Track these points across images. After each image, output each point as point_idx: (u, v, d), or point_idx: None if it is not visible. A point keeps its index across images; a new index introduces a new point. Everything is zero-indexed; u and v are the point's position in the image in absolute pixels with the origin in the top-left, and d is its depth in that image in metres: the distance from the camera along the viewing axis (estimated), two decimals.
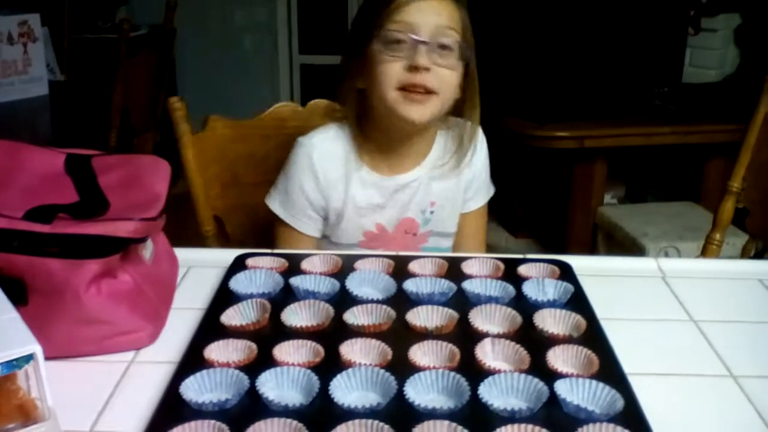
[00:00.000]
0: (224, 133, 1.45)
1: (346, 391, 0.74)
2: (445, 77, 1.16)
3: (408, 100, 1.15)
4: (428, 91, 1.15)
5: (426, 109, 1.16)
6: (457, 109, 1.25)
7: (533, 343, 0.82)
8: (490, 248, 3.22)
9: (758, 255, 2.02)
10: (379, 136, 1.24)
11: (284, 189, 1.28)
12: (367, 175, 1.26)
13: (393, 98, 1.16)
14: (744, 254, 1.79)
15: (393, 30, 1.14)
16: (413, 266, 1.01)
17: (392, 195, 1.27)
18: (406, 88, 1.15)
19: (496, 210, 3.29)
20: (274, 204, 1.29)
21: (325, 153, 1.25)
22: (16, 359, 0.63)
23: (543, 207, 3.23)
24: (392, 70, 1.15)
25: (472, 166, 1.32)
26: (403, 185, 1.26)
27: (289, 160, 1.27)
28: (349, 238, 1.28)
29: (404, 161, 1.26)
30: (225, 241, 1.47)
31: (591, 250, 2.89)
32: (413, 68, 1.13)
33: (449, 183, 1.30)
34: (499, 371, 0.76)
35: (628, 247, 2.60)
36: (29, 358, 0.64)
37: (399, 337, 0.83)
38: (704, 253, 1.67)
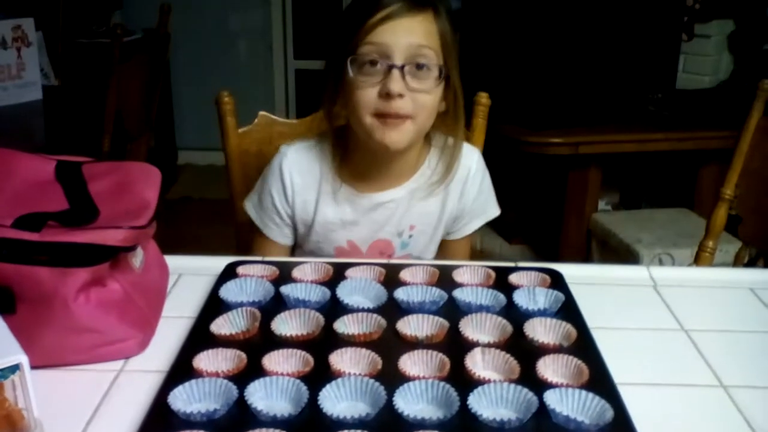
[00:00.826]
0: (271, 130, 1.48)
1: (335, 401, 0.74)
2: (420, 101, 1.13)
3: (384, 126, 1.13)
4: (404, 116, 1.13)
5: (402, 135, 1.14)
6: (445, 123, 1.22)
7: (523, 352, 0.81)
8: (484, 254, 3.23)
9: (751, 262, 2.03)
10: (360, 154, 1.22)
11: (258, 193, 1.28)
12: (342, 190, 1.24)
13: (369, 124, 1.14)
14: (737, 261, 1.80)
15: (365, 53, 1.11)
16: (404, 274, 1.01)
17: (367, 213, 1.25)
18: (381, 114, 1.13)
19: None
20: (248, 206, 1.30)
21: (297, 163, 1.24)
22: (2, 369, 0.63)
23: (537, 213, 3.23)
24: (367, 97, 1.12)
25: (463, 195, 1.28)
26: (378, 204, 1.24)
27: (268, 166, 1.28)
28: (320, 251, 1.27)
29: (384, 180, 1.24)
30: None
31: (585, 256, 2.89)
32: (387, 95, 1.11)
33: (432, 208, 1.27)
34: (488, 381, 0.76)
35: (623, 253, 2.61)
36: (15, 368, 0.64)
37: (389, 346, 0.83)
38: (697, 260, 1.67)
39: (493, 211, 1.34)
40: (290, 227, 1.28)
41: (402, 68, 1.10)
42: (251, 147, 1.48)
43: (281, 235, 1.29)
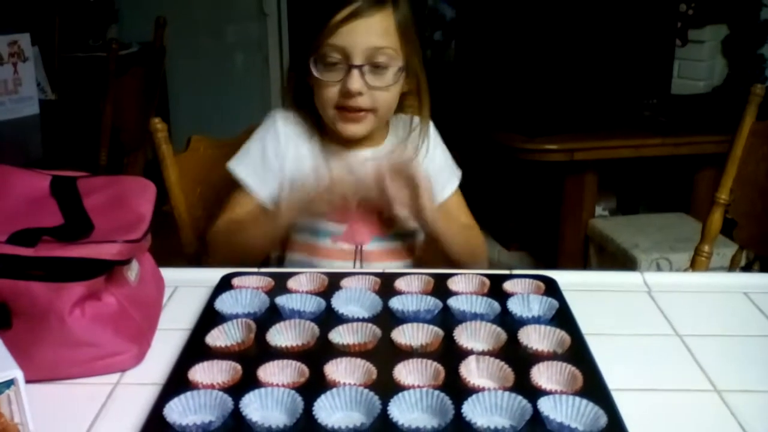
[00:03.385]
0: (207, 153, 1.46)
1: (330, 411, 0.74)
2: (379, 97, 1.21)
3: (344, 119, 1.22)
4: (365, 110, 1.21)
5: (363, 126, 1.23)
6: (405, 101, 1.29)
7: (518, 360, 0.82)
8: None
9: (748, 265, 2.03)
10: None
11: (246, 151, 1.30)
12: (332, 146, 1.29)
13: (331, 116, 1.23)
14: (733, 264, 1.80)
15: (326, 54, 1.18)
16: (399, 283, 1.01)
17: (357, 167, 1.24)
18: (343, 108, 1.20)
19: (488, 222, 3.29)
20: (232, 165, 1.29)
21: (289, 121, 1.30)
22: None
23: (535, 219, 3.23)
24: (329, 94, 1.21)
25: (433, 160, 1.33)
26: (364, 160, 1.27)
27: (257, 130, 1.31)
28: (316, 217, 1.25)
29: (364, 140, 1.28)
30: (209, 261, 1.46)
31: (583, 262, 2.89)
32: (348, 93, 1.18)
33: None
34: (483, 389, 0.76)
35: (620, 258, 2.61)
36: (10, 383, 0.64)
37: (384, 355, 0.83)
38: (693, 265, 1.67)
39: (458, 171, 1.38)
40: (274, 181, 1.24)
41: (361, 68, 1.17)
42: (191, 172, 1.44)
43: (262, 185, 1.26)
